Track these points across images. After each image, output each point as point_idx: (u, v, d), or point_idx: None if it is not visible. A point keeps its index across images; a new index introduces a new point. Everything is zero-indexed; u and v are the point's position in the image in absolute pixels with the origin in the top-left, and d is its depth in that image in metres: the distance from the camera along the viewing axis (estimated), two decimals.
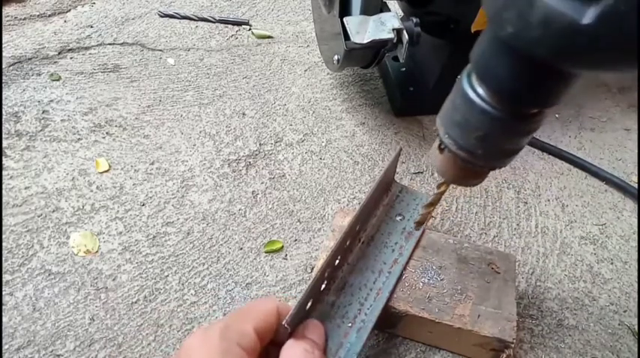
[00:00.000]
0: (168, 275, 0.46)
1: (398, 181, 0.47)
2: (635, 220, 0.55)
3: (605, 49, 0.17)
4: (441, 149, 0.29)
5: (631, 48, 0.17)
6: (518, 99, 0.24)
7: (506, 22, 0.20)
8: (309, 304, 0.35)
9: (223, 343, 0.27)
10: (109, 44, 0.74)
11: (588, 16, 0.16)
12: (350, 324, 0.37)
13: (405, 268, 0.42)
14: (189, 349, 0.28)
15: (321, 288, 0.37)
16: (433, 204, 0.38)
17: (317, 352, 0.31)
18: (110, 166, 0.56)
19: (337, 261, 0.38)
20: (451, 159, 0.29)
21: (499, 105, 0.24)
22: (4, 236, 0.48)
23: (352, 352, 0.35)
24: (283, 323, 0.31)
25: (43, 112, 0.61)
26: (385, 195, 0.46)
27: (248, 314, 0.30)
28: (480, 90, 0.25)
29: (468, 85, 0.25)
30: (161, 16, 0.81)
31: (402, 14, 0.61)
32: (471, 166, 0.29)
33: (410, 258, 0.42)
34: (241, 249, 0.49)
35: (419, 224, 0.42)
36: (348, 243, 0.39)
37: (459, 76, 0.26)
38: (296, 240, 0.50)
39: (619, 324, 0.46)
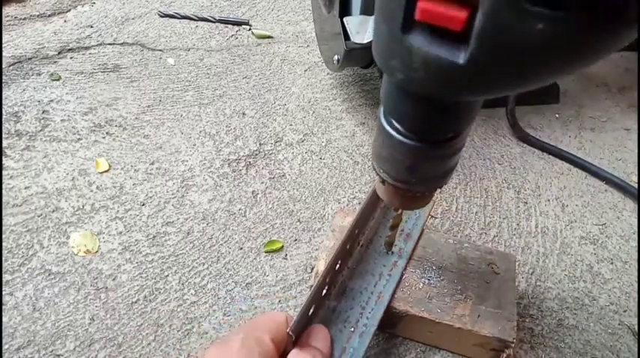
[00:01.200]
0: (168, 275, 0.46)
1: None
2: (635, 220, 0.55)
3: (486, 80, 0.19)
4: (382, 182, 0.31)
5: (509, 75, 0.18)
6: (429, 132, 0.25)
7: (393, 69, 0.21)
8: (312, 310, 0.34)
9: (244, 351, 0.28)
10: (109, 44, 0.74)
11: (462, 57, 0.18)
12: (352, 329, 0.37)
13: (404, 270, 0.42)
14: None
15: (322, 294, 0.37)
16: (395, 225, 0.40)
17: None
18: (110, 166, 0.56)
19: (338, 266, 0.38)
20: (392, 189, 0.30)
21: (416, 136, 0.26)
22: (4, 236, 0.48)
23: (356, 357, 0.35)
24: (287, 330, 0.31)
25: (43, 112, 0.61)
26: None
27: (263, 324, 0.31)
28: (397, 126, 0.26)
29: (385, 122, 0.26)
30: (161, 16, 0.81)
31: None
32: (411, 193, 0.30)
33: (409, 259, 0.42)
34: (241, 248, 0.49)
35: (388, 246, 0.42)
36: (348, 246, 0.39)
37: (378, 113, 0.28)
38: (296, 239, 0.50)
39: (619, 324, 0.46)
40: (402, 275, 0.41)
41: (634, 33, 0.16)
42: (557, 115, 0.69)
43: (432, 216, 0.54)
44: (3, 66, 0.67)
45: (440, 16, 0.17)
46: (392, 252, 0.42)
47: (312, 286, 0.35)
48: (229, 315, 0.44)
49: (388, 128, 0.26)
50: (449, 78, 0.19)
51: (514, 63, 0.18)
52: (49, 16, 0.79)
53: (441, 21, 0.17)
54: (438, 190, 0.32)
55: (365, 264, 0.41)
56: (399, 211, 0.38)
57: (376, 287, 0.40)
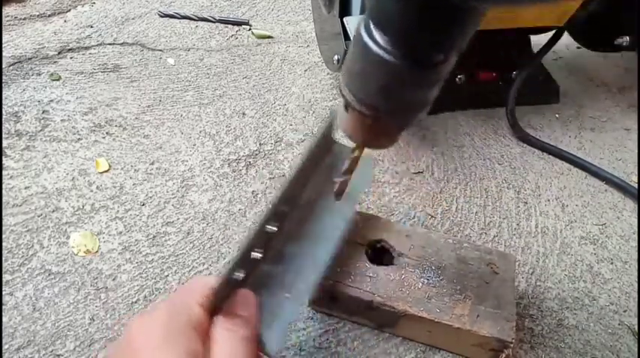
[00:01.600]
0: (168, 275, 0.46)
1: (342, 143, 0.41)
2: (635, 220, 0.55)
3: None
4: (346, 108, 0.28)
5: None
6: (416, 44, 0.23)
7: None
8: (242, 275, 0.31)
9: (169, 322, 0.26)
10: (109, 44, 0.74)
11: None
12: (286, 294, 0.34)
13: (345, 237, 0.38)
14: (132, 330, 0.26)
15: (252, 257, 0.33)
16: (350, 170, 0.36)
17: (241, 329, 0.28)
18: (110, 166, 0.56)
19: (272, 228, 0.35)
20: (358, 118, 0.27)
21: (399, 52, 0.23)
22: (4, 236, 0.48)
23: (286, 321, 0.33)
24: (207, 295, 0.28)
25: (43, 112, 0.61)
26: (327, 155, 0.41)
27: (192, 289, 0.28)
28: (378, 38, 0.23)
29: (365, 34, 0.24)
30: (161, 16, 0.81)
31: None
32: (378, 124, 0.27)
33: (350, 226, 0.39)
34: None
35: (337, 194, 0.38)
36: (284, 208, 0.36)
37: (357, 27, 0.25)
38: None
39: (619, 324, 0.46)
40: (342, 243, 0.38)
41: None
42: (557, 115, 0.69)
43: (432, 216, 0.54)
44: (3, 66, 0.68)
45: None
46: (333, 216, 0.38)
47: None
48: None
49: (367, 39, 0.24)
50: None
51: None
52: (49, 16, 0.79)
53: None
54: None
55: (303, 228, 0.38)
56: (357, 154, 0.34)
57: (314, 252, 0.37)
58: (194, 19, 0.81)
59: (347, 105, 0.27)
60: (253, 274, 0.34)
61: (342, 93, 0.27)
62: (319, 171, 0.40)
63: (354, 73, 0.25)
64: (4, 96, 0.63)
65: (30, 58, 0.70)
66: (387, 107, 0.26)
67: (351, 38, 0.52)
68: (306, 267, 0.36)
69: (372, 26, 0.24)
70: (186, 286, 0.29)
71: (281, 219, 0.36)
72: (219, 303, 0.29)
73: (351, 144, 0.32)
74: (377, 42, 0.23)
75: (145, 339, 0.25)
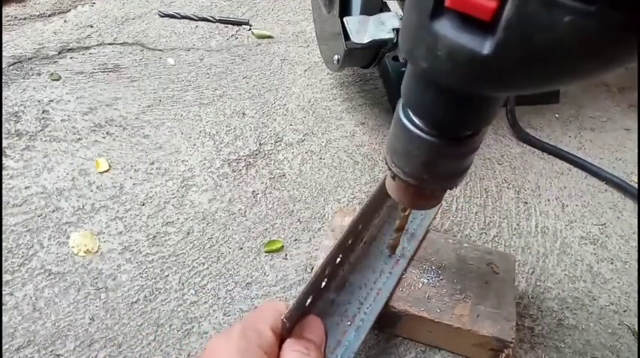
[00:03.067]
0: (168, 275, 0.46)
1: None
2: (635, 220, 0.55)
3: (510, 74, 0.19)
4: (393, 178, 0.30)
5: (531, 71, 0.18)
6: (449, 127, 0.25)
7: (418, 58, 0.21)
8: (309, 301, 0.35)
9: (242, 343, 0.29)
10: (109, 44, 0.74)
11: (487, 47, 0.18)
12: (349, 323, 0.37)
13: (406, 269, 0.42)
14: (212, 351, 0.29)
15: (322, 286, 0.37)
16: (401, 228, 0.39)
17: (313, 352, 0.31)
18: (110, 166, 0.56)
19: (339, 259, 0.38)
20: (403, 186, 0.30)
21: (434, 131, 0.25)
22: (4, 236, 0.48)
23: (350, 350, 0.35)
24: (282, 318, 0.31)
25: (43, 112, 0.61)
26: (389, 196, 0.46)
27: (265, 314, 0.32)
28: (415, 120, 0.26)
29: (403, 116, 0.26)
30: (161, 16, 0.81)
31: (402, 14, 0.61)
32: (423, 191, 0.30)
33: (412, 259, 0.42)
34: (241, 248, 0.49)
35: (392, 248, 0.42)
36: (350, 241, 0.39)
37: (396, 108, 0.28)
38: (296, 239, 0.50)
39: (619, 324, 0.46)
40: (403, 273, 0.41)
41: None
42: (557, 115, 0.69)
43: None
44: (3, 66, 0.67)
45: (470, 4, 0.17)
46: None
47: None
48: (229, 315, 0.44)
49: (406, 121, 0.26)
50: (472, 69, 0.19)
51: (538, 57, 0.17)
52: (49, 16, 0.79)
53: (471, 9, 0.18)
54: (448, 191, 0.32)
55: (366, 260, 0.41)
56: (406, 213, 0.37)
57: (376, 284, 0.40)
58: (194, 19, 0.81)
59: (394, 176, 0.30)
60: (319, 301, 0.37)
61: (389, 167, 0.30)
62: (383, 209, 0.44)
63: (398, 151, 0.28)
64: (4, 96, 0.63)
65: (30, 58, 0.70)
66: (429, 178, 0.28)
67: (351, 38, 0.52)
68: (369, 297, 0.39)
69: (407, 109, 0.26)
70: (259, 311, 0.32)
71: (347, 252, 0.40)
72: (290, 328, 0.32)
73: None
74: (414, 123, 0.26)
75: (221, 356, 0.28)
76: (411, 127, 0.26)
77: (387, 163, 0.30)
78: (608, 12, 0.15)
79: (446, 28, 0.19)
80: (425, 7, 0.19)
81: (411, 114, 0.26)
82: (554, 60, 0.17)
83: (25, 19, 0.78)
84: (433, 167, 0.27)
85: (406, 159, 0.28)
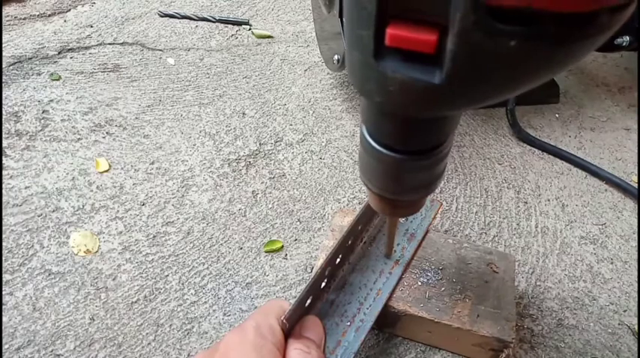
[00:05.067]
0: (168, 275, 0.46)
1: None
2: (635, 220, 0.55)
3: (464, 97, 0.19)
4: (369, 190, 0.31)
5: (485, 90, 0.19)
6: (411, 145, 0.25)
7: (370, 93, 0.21)
8: (309, 301, 0.35)
9: (258, 340, 0.30)
10: (109, 44, 0.74)
11: (437, 77, 0.18)
12: (349, 323, 0.37)
13: (406, 270, 0.42)
14: (228, 346, 0.30)
15: (321, 286, 0.37)
16: (391, 235, 0.39)
17: (313, 351, 0.32)
18: (110, 166, 0.56)
19: (338, 260, 0.38)
20: (381, 199, 0.30)
21: (398, 148, 0.25)
22: (4, 236, 0.48)
23: (350, 351, 0.35)
24: (282, 318, 0.31)
25: (43, 112, 0.61)
26: None
27: (272, 311, 0.32)
28: (378, 139, 0.26)
29: (367, 133, 0.26)
30: (161, 16, 0.81)
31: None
32: (398, 202, 0.30)
33: (412, 259, 0.42)
34: (241, 248, 0.49)
35: (387, 255, 0.42)
36: (349, 242, 0.39)
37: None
38: (296, 239, 0.50)
39: (619, 324, 0.46)
40: (403, 274, 0.41)
41: (603, 38, 0.16)
42: (557, 115, 0.69)
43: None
44: (3, 66, 0.68)
45: (410, 41, 0.17)
46: (394, 250, 0.42)
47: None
48: (229, 315, 0.44)
49: (370, 140, 0.26)
50: (427, 97, 0.19)
51: (489, 79, 0.18)
52: (49, 16, 0.79)
53: (413, 45, 0.17)
54: (438, 189, 0.32)
55: (366, 261, 0.41)
56: (394, 221, 0.37)
57: (376, 284, 0.40)
58: (194, 19, 0.81)
59: (369, 189, 0.30)
60: (319, 301, 0.37)
61: (363, 181, 0.30)
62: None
63: (367, 168, 0.28)
64: (4, 96, 0.63)
65: (30, 58, 0.70)
66: (401, 191, 0.28)
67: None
68: (369, 298, 0.39)
69: (369, 132, 0.26)
70: (267, 308, 0.33)
71: (347, 252, 0.40)
72: (291, 327, 0.33)
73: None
74: (378, 141, 0.26)
75: (240, 356, 0.29)
76: (375, 145, 0.26)
77: (361, 179, 0.30)
78: (546, 28, 0.15)
79: (392, 66, 0.19)
80: (366, 48, 0.19)
81: (374, 135, 0.26)
82: (503, 78, 0.18)
83: (25, 19, 0.78)
84: (403, 181, 0.27)
85: (375, 174, 0.28)
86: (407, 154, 0.25)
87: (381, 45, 0.18)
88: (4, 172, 0.54)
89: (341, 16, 0.54)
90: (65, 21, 0.78)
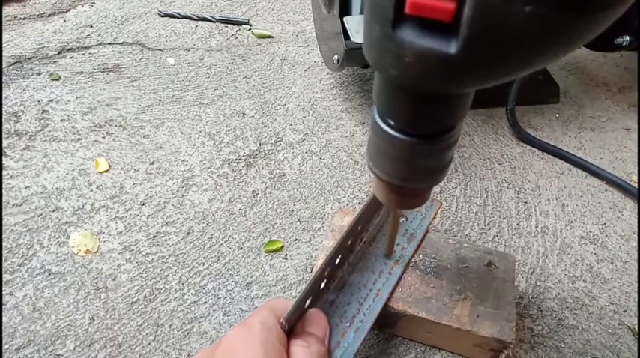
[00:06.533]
0: (168, 275, 0.46)
1: None
2: (635, 220, 0.55)
3: (479, 69, 0.19)
4: (377, 180, 0.31)
5: (499, 63, 0.19)
6: (423, 126, 0.25)
7: (386, 66, 0.21)
8: (308, 302, 0.35)
9: (264, 335, 0.30)
10: (109, 44, 0.74)
11: (453, 47, 0.18)
12: (348, 323, 0.37)
13: (405, 270, 0.42)
14: (232, 341, 0.30)
15: (321, 287, 0.37)
16: (393, 234, 0.39)
17: (313, 346, 0.31)
18: (110, 166, 0.56)
19: (338, 260, 0.38)
20: (387, 187, 0.30)
21: (410, 130, 0.26)
22: (4, 236, 0.48)
23: (349, 351, 0.35)
24: (281, 320, 0.31)
25: (43, 112, 0.61)
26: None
27: (276, 308, 0.32)
28: (390, 121, 0.26)
29: (378, 117, 0.26)
30: (161, 16, 0.81)
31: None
32: (405, 190, 0.30)
33: (411, 259, 0.42)
34: (241, 248, 0.49)
35: (387, 255, 0.42)
36: (349, 242, 0.39)
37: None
38: (296, 239, 0.50)
39: (619, 324, 0.46)
40: (403, 274, 0.41)
41: (622, 9, 0.17)
42: (557, 115, 0.69)
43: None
44: (3, 66, 0.68)
45: (430, 9, 0.18)
46: (394, 250, 0.42)
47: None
48: (229, 315, 0.44)
49: (381, 123, 0.26)
50: (442, 69, 0.19)
51: (504, 49, 0.18)
52: (49, 16, 0.79)
53: (431, 13, 0.18)
54: (438, 189, 0.32)
55: (366, 261, 0.41)
56: (397, 217, 0.37)
57: (375, 285, 0.40)
58: (194, 19, 0.81)
59: (377, 178, 0.30)
60: (319, 302, 0.37)
61: (371, 169, 0.30)
62: (382, 209, 0.44)
63: (376, 151, 0.28)
64: (4, 96, 0.63)
65: (30, 58, 0.70)
66: (410, 176, 0.28)
67: (351, 38, 0.53)
68: (368, 298, 0.39)
69: (381, 113, 0.26)
70: (270, 305, 0.33)
71: (347, 252, 0.40)
72: (291, 327, 0.33)
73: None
74: (389, 124, 0.26)
75: (246, 353, 0.29)
76: (387, 128, 0.26)
77: (369, 166, 0.30)
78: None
79: (410, 35, 0.19)
80: (385, 17, 0.19)
81: (385, 116, 0.26)
82: (520, 48, 0.18)
83: (25, 19, 0.78)
84: (412, 166, 0.27)
85: (385, 160, 0.28)
86: (418, 137, 0.25)
87: (400, 13, 0.19)
88: (4, 172, 0.54)
89: (341, 16, 0.54)
90: (65, 21, 0.78)
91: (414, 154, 0.27)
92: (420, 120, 0.25)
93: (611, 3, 0.16)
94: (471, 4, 0.17)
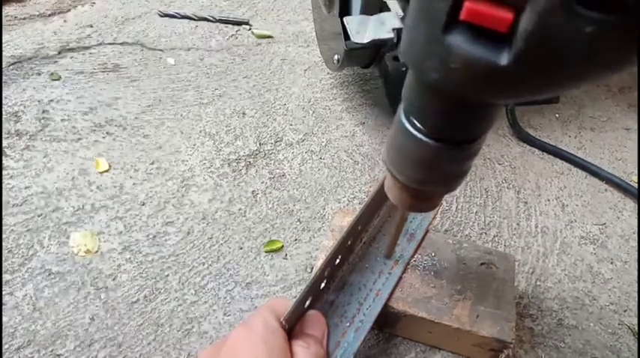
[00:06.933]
0: (168, 275, 0.46)
1: None
2: (635, 220, 0.55)
3: (527, 83, 0.19)
4: (392, 179, 0.30)
5: (549, 78, 0.18)
6: (452, 132, 0.25)
7: (429, 69, 0.21)
8: (308, 302, 0.35)
9: (267, 335, 0.30)
10: (109, 44, 0.74)
11: (505, 58, 0.18)
12: (348, 324, 0.37)
13: (405, 270, 0.42)
14: (235, 340, 0.30)
15: (321, 287, 0.37)
16: (397, 233, 0.39)
17: (312, 347, 0.32)
18: (110, 166, 0.56)
19: (338, 260, 0.38)
20: (403, 188, 0.30)
21: (437, 136, 0.25)
22: (4, 236, 0.48)
23: (349, 351, 0.35)
24: (281, 320, 0.31)
25: (43, 112, 0.61)
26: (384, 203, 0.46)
27: (277, 308, 0.32)
28: (417, 124, 0.26)
29: (405, 118, 0.26)
30: (161, 16, 0.81)
31: (402, 14, 0.61)
32: (420, 193, 0.30)
33: (411, 259, 0.42)
34: (241, 248, 0.49)
35: (388, 254, 0.42)
36: (349, 242, 0.39)
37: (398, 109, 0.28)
38: (296, 239, 0.50)
39: (619, 324, 0.46)
40: (403, 274, 0.41)
41: None
42: (557, 115, 0.69)
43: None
44: (3, 66, 0.67)
45: (486, 17, 0.17)
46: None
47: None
48: (229, 315, 0.44)
49: (407, 124, 0.26)
50: (488, 79, 0.19)
51: (557, 66, 0.18)
52: (49, 16, 0.79)
53: (487, 21, 0.17)
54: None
55: (366, 261, 0.41)
56: (404, 218, 0.37)
57: (375, 285, 0.40)
58: (194, 19, 0.81)
59: (393, 178, 0.30)
60: (319, 302, 0.37)
61: (388, 168, 0.30)
62: (382, 209, 0.44)
63: (397, 152, 0.28)
64: (4, 96, 0.63)
65: (30, 58, 0.70)
66: (429, 181, 0.28)
67: (351, 38, 0.53)
68: (368, 298, 0.39)
69: (409, 114, 0.26)
70: (271, 305, 0.33)
71: (347, 253, 0.40)
72: (291, 327, 0.33)
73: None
74: (416, 127, 0.25)
75: (250, 354, 0.29)
76: (413, 131, 0.25)
77: (386, 165, 0.30)
78: (627, 21, 0.15)
79: (460, 41, 0.18)
80: (437, 20, 0.19)
81: (413, 119, 0.26)
82: (573, 67, 0.18)
83: (25, 19, 0.78)
84: (433, 170, 0.27)
85: (406, 161, 0.28)
86: (445, 143, 0.25)
87: (454, 18, 0.18)
88: (4, 172, 0.54)
89: (341, 16, 0.54)
90: (65, 21, 0.78)
91: (438, 159, 0.26)
92: (451, 126, 0.25)
93: None
94: (531, 17, 0.16)
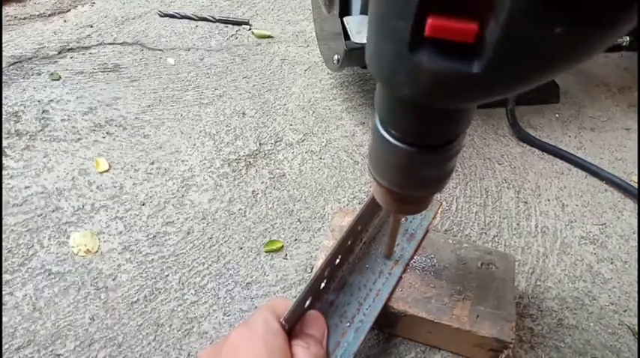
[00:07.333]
0: (168, 275, 0.46)
1: None
2: (635, 220, 0.55)
3: (501, 85, 0.19)
4: (377, 185, 0.31)
5: (523, 77, 0.19)
6: (427, 137, 0.25)
7: (398, 85, 0.21)
8: (308, 302, 0.35)
9: (267, 334, 0.30)
10: (109, 44, 0.74)
11: (476, 67, 0.18)
12: (348, 324, 0.37)
13: (405, 270, 0.42)
14: (236, 340, 0.30)
15: (321, 287, 0.37)
16: (393, 235, 0.39)
17: (312, 347, 0.32)
18: (110, 166, 0.56)
19: (338, 260, 0.38)
20: (387, 192, 0.30)
21: (412, 141, 0.25)
22: (4, 236, 0.48)
23: (349, 351, 0.35)
24: (281, 320, 0.31)
25: (43, 112, 0.61)
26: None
27: (277, 308, 0.32)
28: (391, 130, 0.26)
29: (380, 126, 0.26)
30: (161, 16, 0.81)
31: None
32: (405, 196, 0.30)
33: (411, 259, 0.42)
34: (241, 248, 0.49)
35: (387, 255, 0.42)
36: (349, 242, 0.39)
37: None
38: (296, 239, 0.50)
39: (619, 324, 0.46)
40: (402, 274, 0.41)
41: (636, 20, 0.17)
42: (557, 115, 0.69)
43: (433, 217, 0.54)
44: (3, 66, 0.68)
45: (451, 31, 0.17)
46: (394, 251, 0.42)
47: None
48: (229, 315, 0.44)
49: (383, 132, 0.26)
50: (461, 88, 0.19)
51: (528, 66, 0.18)
52: (49, 16, 0.79)
53: (453, 35, 0.17)
54: (446, 192, 0.31)
55: (366, 261, 0.41)
56: (396, 219, 0.37)
57: (375, 285, 0.40)
58: (194, 19, 0.81)
59: (378, 184, 0.30)
60: (319, 302, 0.37)
61: (371, 174, 0.30)
62: (382, 209, 0.44)
63: (377, 158, 0.28)
64: (4, 96, 0.63)
65: (30, 58, 0.70)
66: (411, 185, 0.28)
67: (351, 38, 0.53)
68: (368, 298, 0.39)
69: (383, 122, 0.26)
70: (271, 305, 0.33)
71: (347, 253, 0.40)
72: (291, 327, 0.33)
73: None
74: (391, 133, 0.25)
75: (251, 354, 0.29)
76: (389, 137, 0.25)
77: (370, 172, 0.30)
78: (593, 16, 0.15)
79: (428, 57, 0.18)
80: (401, 39, 0.18)
81: (387, 126, 0.26)
82: (544, 64, 0.18)
83: (25, 19, 0.78)
84: (414, 174, 0.27)
85: (386, 167, 0.28)
86: (422, 148, 0.25)
87: (418, 36, 0.18)
88: (4, 172, 0.54)
89: (341, 16, 0.54)
90: (65, 21, 0.78)
91: (416, 164, 0.26)
92: (424, 131, 0.25)
93: (632, 17, 0.16)
94: (498, 26, 0.16)
